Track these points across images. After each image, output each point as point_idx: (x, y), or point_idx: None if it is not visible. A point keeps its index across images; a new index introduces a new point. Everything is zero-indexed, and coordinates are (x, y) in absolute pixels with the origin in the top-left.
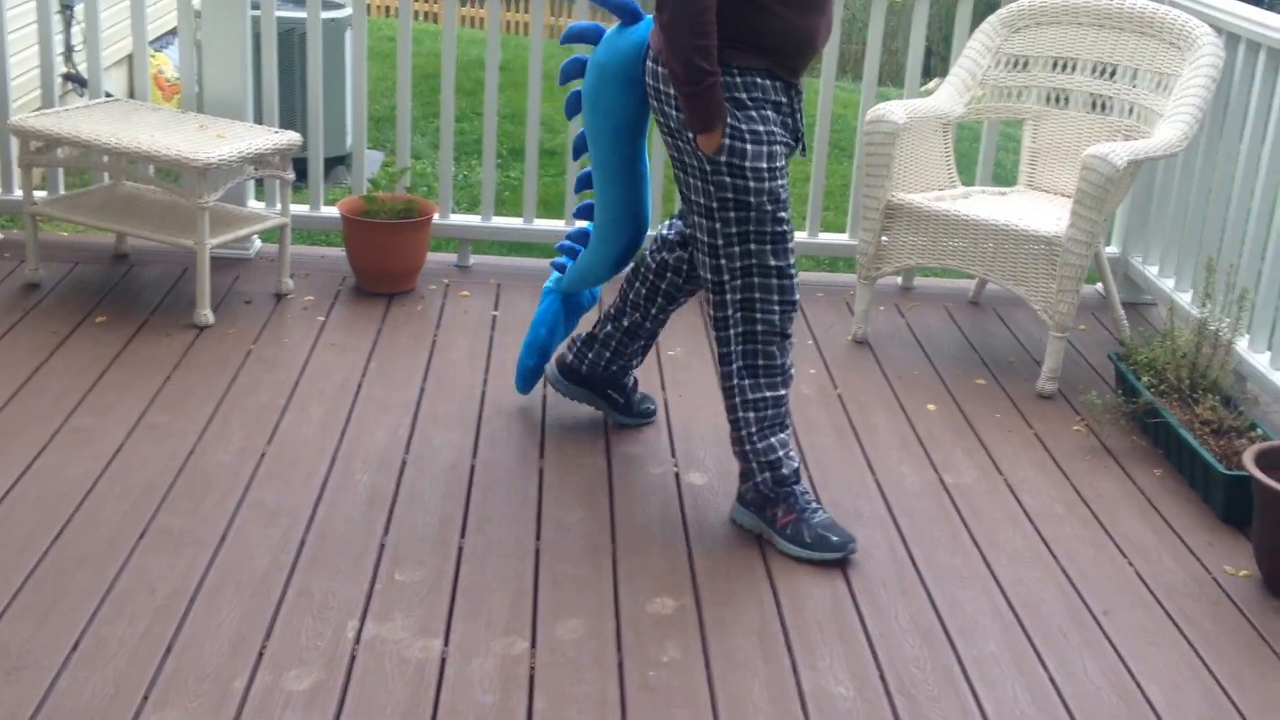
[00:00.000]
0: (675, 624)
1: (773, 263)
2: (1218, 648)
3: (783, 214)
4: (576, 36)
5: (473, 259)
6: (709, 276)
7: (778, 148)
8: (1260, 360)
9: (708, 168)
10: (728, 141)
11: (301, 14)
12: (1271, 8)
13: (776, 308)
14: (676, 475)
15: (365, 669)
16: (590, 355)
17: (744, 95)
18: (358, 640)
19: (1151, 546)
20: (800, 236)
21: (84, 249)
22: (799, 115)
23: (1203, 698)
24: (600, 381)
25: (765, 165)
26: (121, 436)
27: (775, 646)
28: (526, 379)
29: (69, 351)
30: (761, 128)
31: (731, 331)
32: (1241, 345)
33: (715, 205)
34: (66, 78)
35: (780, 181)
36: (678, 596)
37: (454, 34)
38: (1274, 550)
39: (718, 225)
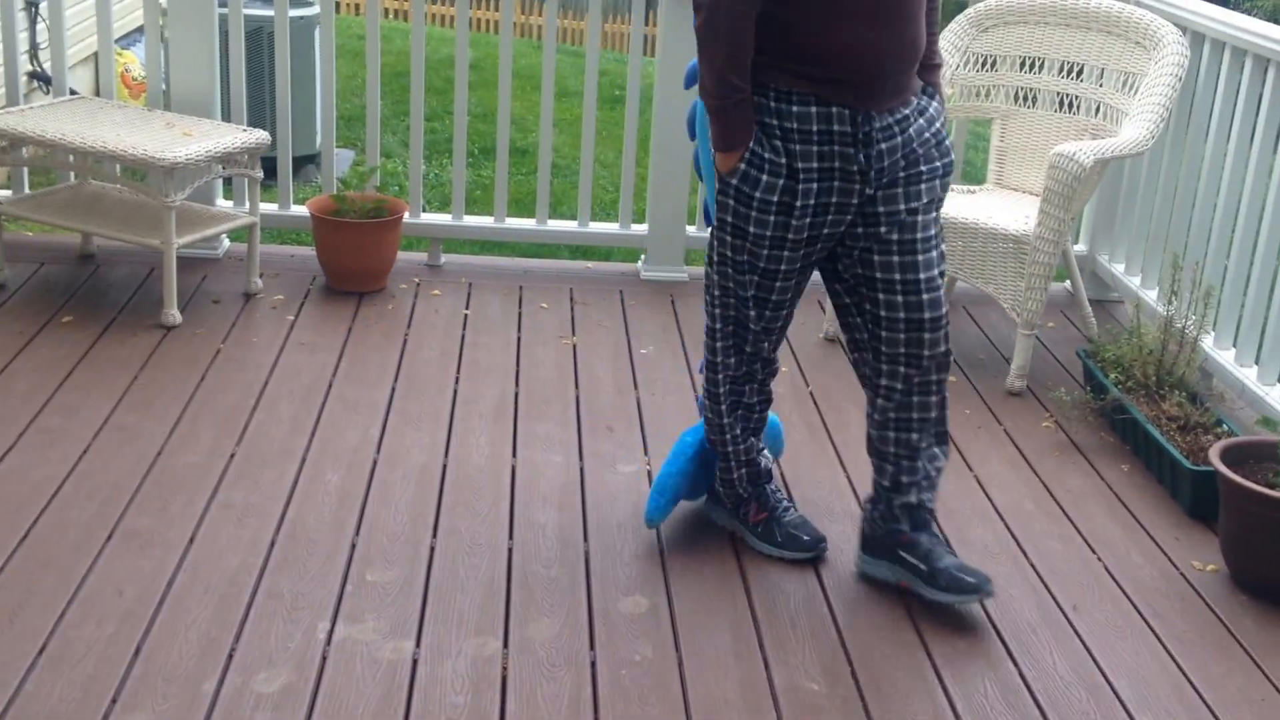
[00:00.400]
0: (648, 623)
1: (751, 310)
2: (1185, 642)
3: (786, 252)
4: (694, 77)
5: (444, 258)
6: (706, 285)
7: (809, 185)
8: (1226, 357)
9: (719, 185)
10: (743, 166)
11: (269, 11)
12: (1236, 7)
13: (749, 347)
14: (649, 474)
15: (336, 670)
16: (866, 510)
17: (774, 121)
18: (328, 641)
19: (1119, 542)
20: None
21: (50, 249)
22: (881, 148)
23: (1171, 692)
24: (884, 540)
25: (776, 199)
26: (89, 437)
27: (748, 644)
28: (662, 494)
29: (35, 352)
30: (783, 160)
31: (719, 344)
32: (1207, 342)
33: (716, 223)
34: (31, 76)
35: (799, 220)
36: (650, 595)
37: (422, 32)
38: (1240, 545)
39: (715, 243)
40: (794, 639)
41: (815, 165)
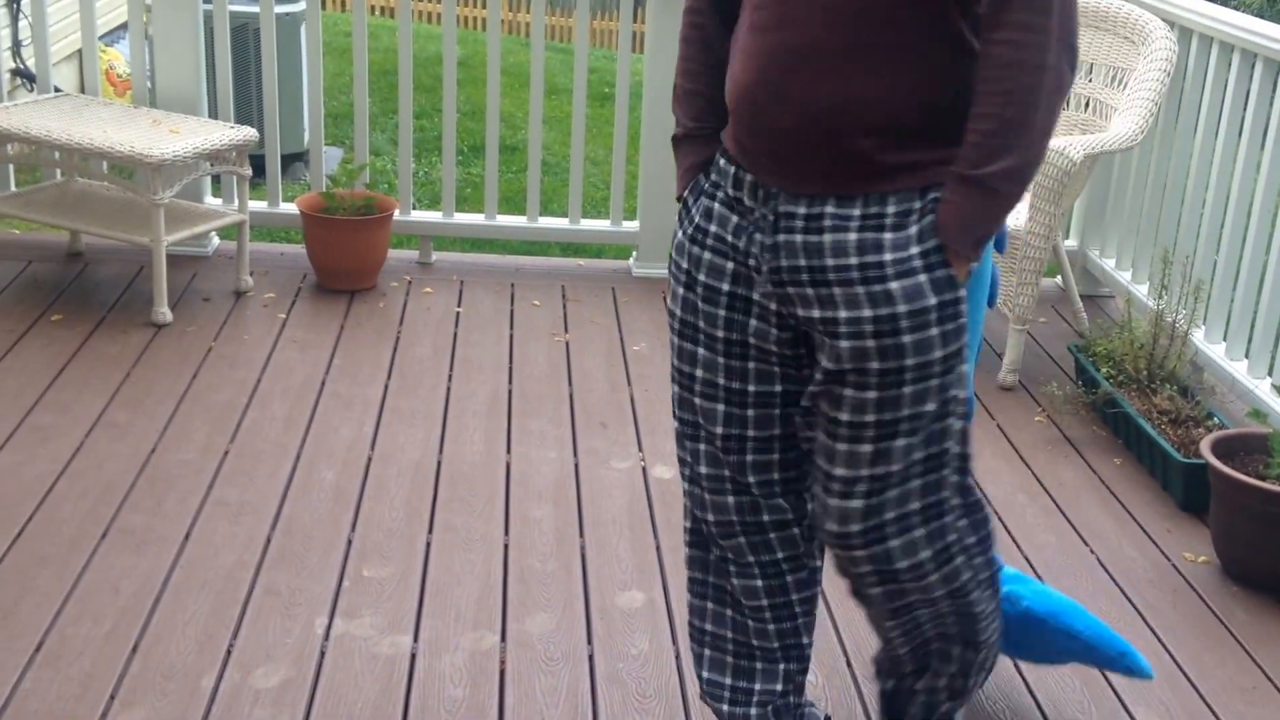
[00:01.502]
0: (644, 616)
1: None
2: (1177, 633)
3: (679, 340)
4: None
5: (435, 255)
6: None
7: (700, 253)
8: (1216, 350)
9: None
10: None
11: (255, 8)
12: (1225, 2)
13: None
14: (643, 469)
15: (334, 665)
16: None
17: (710, 175)
18: (326, 637)
19: (1112, 534)
20: None
21: (37, 247)
22: (778, 239)
23: (1164, 681)
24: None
25: (674, 260)
26: (81, 435)
27: None
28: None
29: (25, 350)
30: (696, 220)
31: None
32: (1198, 336)
33: None
34: (15, 73)
35: (708, 306)
36: (646, 589)
37: (410, 29)
38: (1231, 536)
39: None
40: None
41: (713, 235)
